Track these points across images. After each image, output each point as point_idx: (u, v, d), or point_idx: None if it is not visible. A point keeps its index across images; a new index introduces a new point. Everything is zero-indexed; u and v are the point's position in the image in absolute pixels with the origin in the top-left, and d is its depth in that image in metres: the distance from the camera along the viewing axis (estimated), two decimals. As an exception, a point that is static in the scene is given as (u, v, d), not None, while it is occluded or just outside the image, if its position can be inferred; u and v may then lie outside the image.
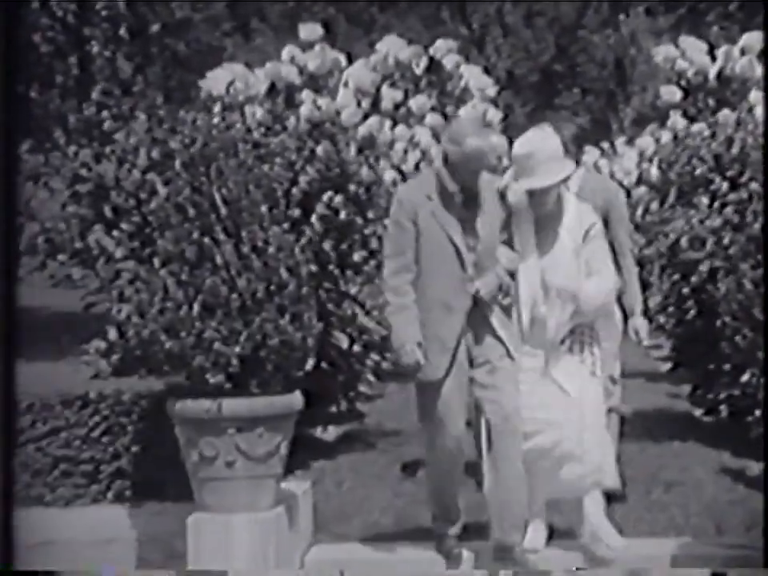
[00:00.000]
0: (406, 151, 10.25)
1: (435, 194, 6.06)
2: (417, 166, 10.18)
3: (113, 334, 7.36)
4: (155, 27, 15.25)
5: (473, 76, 11.96)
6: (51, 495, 7.45)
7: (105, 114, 8.45)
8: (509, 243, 6.16)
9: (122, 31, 14.35)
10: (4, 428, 2.70)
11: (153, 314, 6.66)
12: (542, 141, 6.21)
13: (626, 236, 7.10)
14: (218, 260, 6.72)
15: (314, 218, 7.75)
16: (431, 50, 11.89)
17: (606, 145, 13.53)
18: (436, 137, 10.52)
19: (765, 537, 6.04)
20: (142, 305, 6.73)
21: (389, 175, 9.56)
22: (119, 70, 13.88)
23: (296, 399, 6.81)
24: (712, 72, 11.43)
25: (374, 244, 8.20)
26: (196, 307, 6.63)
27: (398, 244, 6.09)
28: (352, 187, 8.19)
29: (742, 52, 11.43)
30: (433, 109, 10.98)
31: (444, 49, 11.93)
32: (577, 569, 6.26)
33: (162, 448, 7.22)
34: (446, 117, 10.95)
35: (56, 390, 7.53)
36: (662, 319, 9.70)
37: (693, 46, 11.78)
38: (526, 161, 6.16)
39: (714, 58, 11.57)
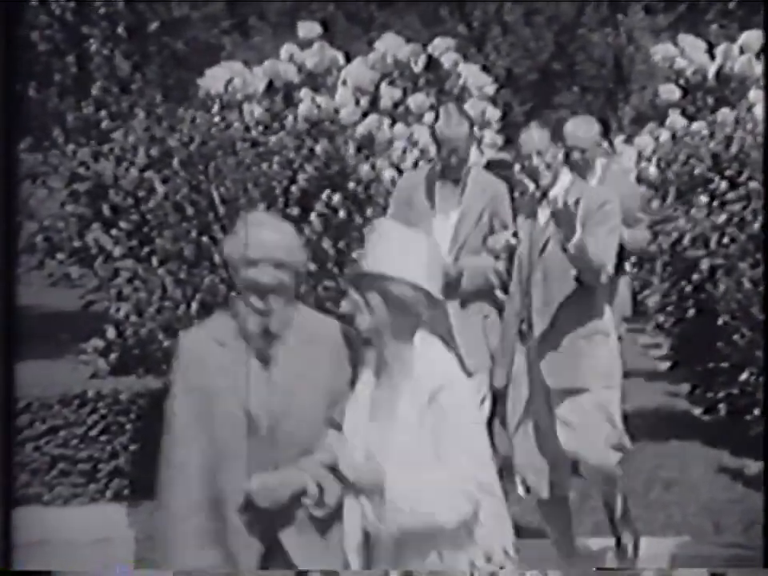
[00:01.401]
0: (404, 150, 10.24)
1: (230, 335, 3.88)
2: (416, 164, 10.17)
3: (111, 332, 7.35)
4: (153, 25, 15.25)
5: (471, 74, 11.95)
6: (49, 494, 7.44)
7: (103, 112, 8.44)
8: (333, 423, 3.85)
9: (121, 29, 14.35)
10: (3, 428, 2.70)
11: (151, 313, 6.66)
12: None
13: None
14: (216, 259, 6.72)
15: (312, 217, 7.74)
16: (430, 49, 11.87)
17: (604, 143, 13.51)
18: (435, 135, 10.53)
19: (765, 537, 6.04)
20: (141, 303, 6.73)
21: (388, 174, 9.55)
22: (117, 68, 13.88)
23: (294, 398, 6.79)
24: (711, 71, 11.41)
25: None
26: (194, 306, 6.62)
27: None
28: (350, 185, 8.18)
29: (741, 50, 11.42)
30: (431, 107, 10.96)
31: (443, 47, 11.91)
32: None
33: (160, 447, 7.21)
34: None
35: (54, 388, 7.52)
36: (661, 318, 9.69)
37: (692, 44, 11.77)
38: None
39: (713, 57, 11.55)
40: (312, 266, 7.29)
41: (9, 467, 2.68)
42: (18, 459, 7.24)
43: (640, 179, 11.14)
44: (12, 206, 2.51)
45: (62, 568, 6.53)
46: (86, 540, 7.01)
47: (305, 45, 11.57)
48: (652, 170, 10.36)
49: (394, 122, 10.55)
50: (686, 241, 8.57)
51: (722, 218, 8.31)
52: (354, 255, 8.07)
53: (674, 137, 10.11)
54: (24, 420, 7.38)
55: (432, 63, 11.88)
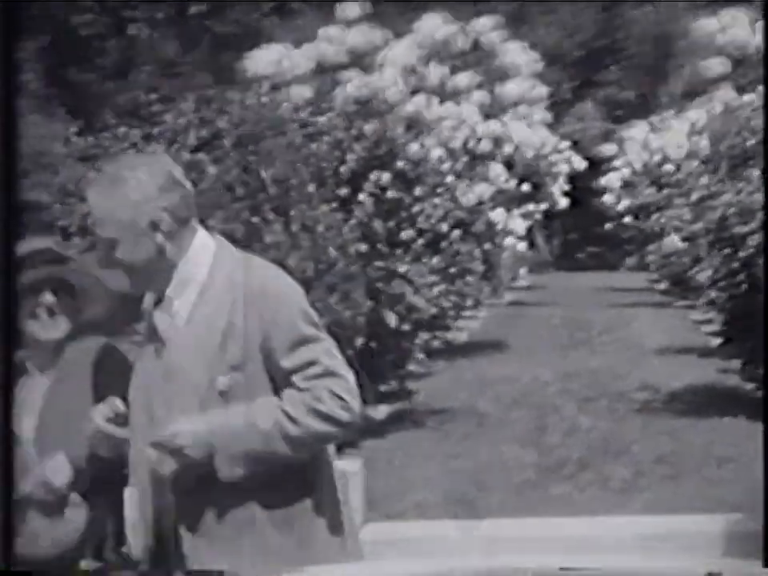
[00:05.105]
0: (453, 128, 10.19)
1: None
2: (465, 144, 10.15)
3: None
4: (197, 8, 15.32)
5: (517, 52, 11.89)
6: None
7: (153, 95, 8.47)
8: None
9: (163, 14, 14.44)
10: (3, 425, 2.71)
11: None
12: None
13: None
14: (267, 239, 6.74)
15: (362, 197, 7.75)
16: (475, 27, 11.82)
17: (655, 119, 13.39)
18: (483, 113, 10.50)
19: (765, 538, 5.96)
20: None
21: (436, 152, 9.52)
22: (163, 51, 13.95)
23: (346, 378, 6.82)
24: (754, 43, 11.30)
25: (422, 222, 8.18)
26: (246, 287, 6.65)
27: None
28: (399, 165, 8.17)
29: (788, 23, 11.30)
30: (479, 86, 10.92)
31: (488, 25, 11.86)
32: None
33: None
34: (492, 93, 10.93)
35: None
36: (713, 294, 9.61)
37: (734, 17, 11.67)
38: None
39: (755, 30, 11.44)
40: (362, 247, 7.30)
41: (9, 464, 2.70)
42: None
43: (691, 153, 11.05)
44: (12, 197, 2.53)
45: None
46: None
47: (349, 25, 11.55)
48: (703, 144, 10.27)
49: (441, 101, 10.50)
50: (735, 215, 8.49)
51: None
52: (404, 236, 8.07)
53: (724, 110, 10.01)
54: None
55: (477, 41, 11.83)
